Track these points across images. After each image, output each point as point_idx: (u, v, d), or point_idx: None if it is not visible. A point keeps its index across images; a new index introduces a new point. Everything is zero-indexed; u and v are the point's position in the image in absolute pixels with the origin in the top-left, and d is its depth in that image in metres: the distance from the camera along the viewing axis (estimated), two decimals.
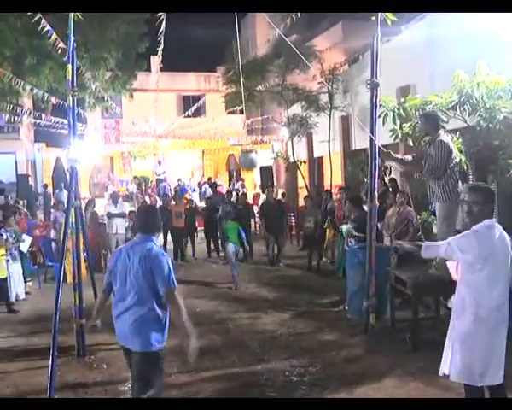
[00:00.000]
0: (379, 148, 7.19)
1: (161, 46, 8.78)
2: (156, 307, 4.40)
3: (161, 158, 28.78)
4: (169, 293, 4.35)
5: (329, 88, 17.44)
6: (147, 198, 22.29)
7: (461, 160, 7.70)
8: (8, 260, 9.97)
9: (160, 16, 7.86)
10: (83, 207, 8.57)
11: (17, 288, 10.37)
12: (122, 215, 13.41)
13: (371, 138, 7.22)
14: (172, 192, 21.45)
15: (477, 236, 4.16)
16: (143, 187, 26.29)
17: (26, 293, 10.85)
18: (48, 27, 8.43)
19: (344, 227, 9.69)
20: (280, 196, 18.01)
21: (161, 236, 15.20)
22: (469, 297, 4.23)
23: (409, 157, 7.36)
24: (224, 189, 24.99)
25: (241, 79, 12.33)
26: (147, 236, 4.58)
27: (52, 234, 12.92)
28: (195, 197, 23.68)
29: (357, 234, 9.03)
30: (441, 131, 6.99)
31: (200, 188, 26.21)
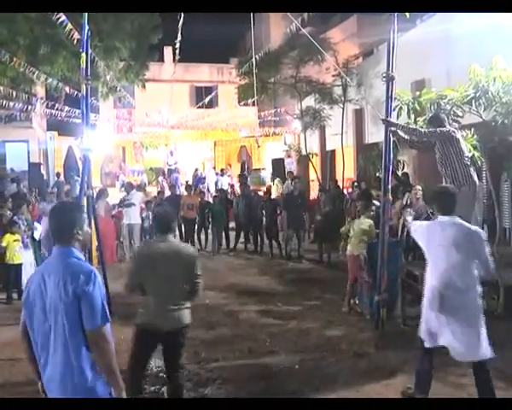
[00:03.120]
0: (383, 120, 7.14)
1: (178, 39, 8.77)
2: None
3: (173, 148, 28.81)
4: (96, 334, 3.07)
5: (343, 81, 17.35)
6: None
7: (474, 155, 7.61)
8: (20, 248, 10.02)
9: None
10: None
11: (29, 275, 10.40)
12: (130, 205, 13.30)
13: (385, 132, 7.16)
14: (184, 183, 21.47)
15: (422, 227, 5.07)
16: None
17: None
18: (63, 17, 8.44)
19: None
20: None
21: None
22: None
23: (416, 127, 7.28)
24: (233, 180, 25.06)
25: (255, 71, 12.25)
26: (65, 247, 3.25)
27: None
28: (212, 188, 23.71)
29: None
30: (449, 127, 6.93)
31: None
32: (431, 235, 4.84)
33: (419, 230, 5.06)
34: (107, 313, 3.13)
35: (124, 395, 3.15)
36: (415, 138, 7.13)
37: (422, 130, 7.01)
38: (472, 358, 4.68)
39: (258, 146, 25.31)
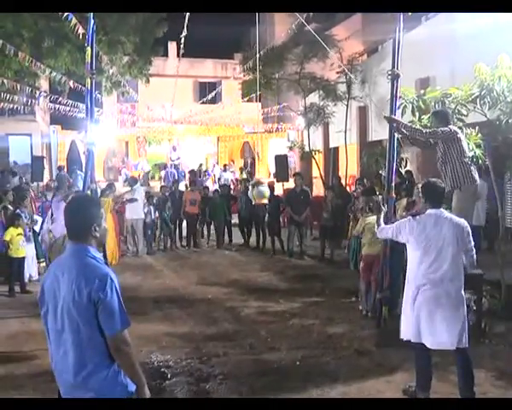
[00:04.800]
0: (386, 117, 7.14)
1: (183, 34, 8.77)
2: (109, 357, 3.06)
3: (176, 144, 28.84)
4: (116, 339, 3.00)
5: (347, 78, 17.31)
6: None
7: (474, 153, 7.57)
8: (23, 242, 10.04)
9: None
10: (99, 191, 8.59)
11: (30, 269, 10.47)
12: (132, 200, 13.27)
13: (390, 129, 7.15)
14: (187, 178, 21.48)
15: (411, 221, 5.06)
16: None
17: (40, 274, 10.93)
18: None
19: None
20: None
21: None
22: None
23: (419, 128, 7.26)
24: (236, 175, 25.12)
25: (259, 67, 12.25)
26: (80, 245, 3.11)
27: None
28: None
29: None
30: (451, 126, 6.91)
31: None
32: (422, 228, 4.96)
33: (409, 225, 5.08)
34: (126, 316, 3.04)
35: (147, 391, 3.11)
36: (417, 137, 7.12)
37: (424, 130, 7.00)
38: (458, 345, 4.85)
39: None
